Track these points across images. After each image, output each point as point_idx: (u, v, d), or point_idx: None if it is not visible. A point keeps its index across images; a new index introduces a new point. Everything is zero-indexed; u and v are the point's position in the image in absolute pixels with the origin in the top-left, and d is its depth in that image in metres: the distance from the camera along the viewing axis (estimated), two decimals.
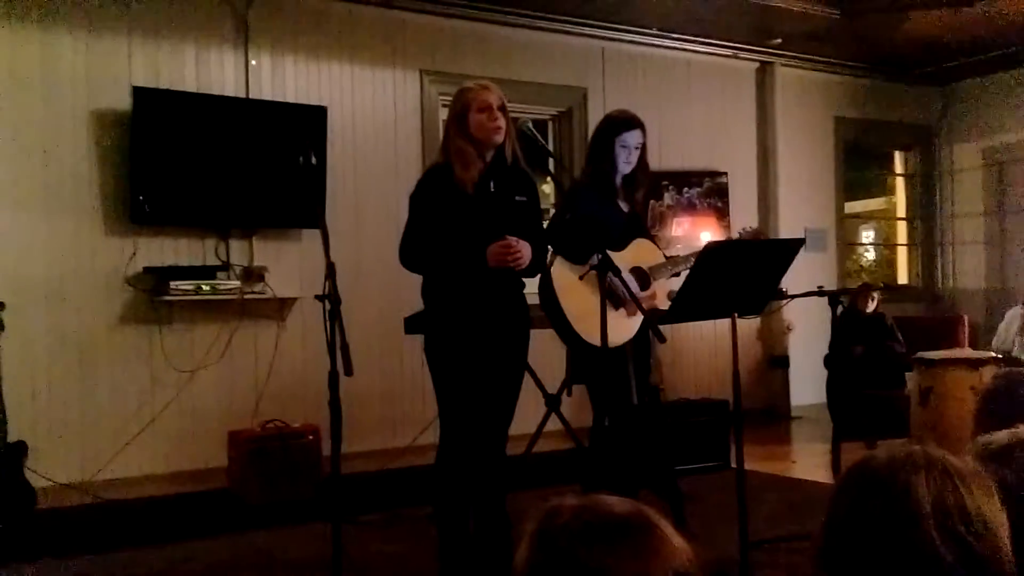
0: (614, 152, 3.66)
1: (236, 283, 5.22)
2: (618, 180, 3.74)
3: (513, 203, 3.26)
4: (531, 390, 4.27)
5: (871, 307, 6.45)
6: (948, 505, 1.00)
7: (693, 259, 3.46)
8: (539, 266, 3.36)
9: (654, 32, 6.74)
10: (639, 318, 3.49)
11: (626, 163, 3.69)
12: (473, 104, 3.18)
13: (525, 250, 3.17)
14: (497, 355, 3.26)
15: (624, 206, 3.78)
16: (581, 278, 3.39)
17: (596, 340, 3.11)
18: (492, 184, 3.22)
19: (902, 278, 8.74)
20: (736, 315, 3.35)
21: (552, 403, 4.75)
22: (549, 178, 6.09)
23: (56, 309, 4.90)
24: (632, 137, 3.67)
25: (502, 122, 3.20)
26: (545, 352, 4.19)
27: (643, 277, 3.69)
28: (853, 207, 9.00)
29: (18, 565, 3.81)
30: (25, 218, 4.84)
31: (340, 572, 2.78)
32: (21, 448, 4.29)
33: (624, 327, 3.53)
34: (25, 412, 4.64)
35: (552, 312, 3.47)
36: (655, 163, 6.56)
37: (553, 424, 4.85)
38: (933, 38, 7.05)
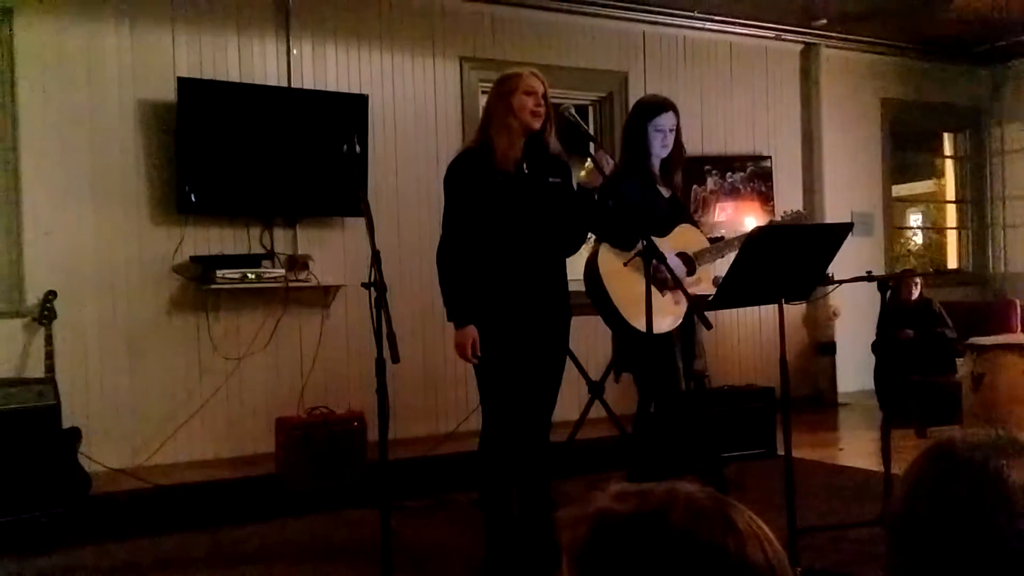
0: (648, 137, 3.65)
1: (281, 271, 5.27)
2: (656, 165, 3.71)
3: (547, 185, 3.31)
4: (575, 377, 4.25)
5: (915, 294, 6.33)
6: None
7: (737, 243, 3.42)
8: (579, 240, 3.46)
9: (695, 15, 6.65)
10: (685, 304, 3.46)
11: (662, 147, 3.67)
12: (520, 87, 3.25)
13: None
14: (539, 342, 3.27)
15: (664, 191, 3.75)
16: (626, 264, 3.38)
17: (643, 326, 3.09)
18: (525, 166, 3.27)
19: (952, 262, 8.56)
20: (783, 301, 3.31)
21: (595, 390, 4.73)
22: (590, 161, 6.06)
23: (106, 298, 4.98)
24: (666, 120, 3.65)
25: (543, 110, 3.25)
26: (588, 339, 4.17)
27: (688, 263, 3.66)
28: (900, 191, 8.82)
29: (75, 548, 3.90)
30: (74, 209, 4.92)
31: (389, 557, 2.80)
32: (75, 434, 4.38)
33: (671, 313, 3.51)
34: (78, 399, 4.73)
35: (599, 299, 3.46)
36: (697, 148, 6.50)
37: (597, 411, 4.83)
38: (983, 17, 6.87)
